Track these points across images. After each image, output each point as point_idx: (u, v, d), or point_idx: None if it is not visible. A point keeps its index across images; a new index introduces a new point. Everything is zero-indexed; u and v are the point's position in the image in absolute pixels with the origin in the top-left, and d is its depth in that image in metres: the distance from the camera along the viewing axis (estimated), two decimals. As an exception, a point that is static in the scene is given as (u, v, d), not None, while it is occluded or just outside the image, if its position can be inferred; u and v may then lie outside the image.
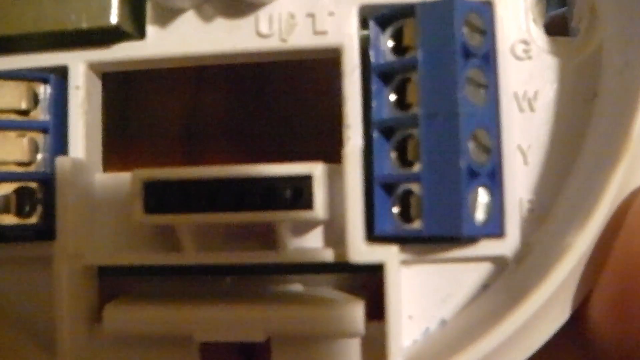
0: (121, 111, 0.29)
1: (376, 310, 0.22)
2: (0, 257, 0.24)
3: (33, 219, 0.23)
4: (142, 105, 0.29)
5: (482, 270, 0.22)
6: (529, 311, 0.20)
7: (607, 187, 0.20)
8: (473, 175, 0.20)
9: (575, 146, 0.22)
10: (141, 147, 0.29)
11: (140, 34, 0.23)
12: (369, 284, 0.23)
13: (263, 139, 0.28)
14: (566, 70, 0.22)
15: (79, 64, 0.23)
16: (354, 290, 0.23)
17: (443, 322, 0.22)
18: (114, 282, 0.25)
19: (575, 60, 0.22)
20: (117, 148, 0.27)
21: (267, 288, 0.24)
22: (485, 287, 0.22)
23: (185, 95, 0.29)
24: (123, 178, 0.24)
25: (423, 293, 0.22)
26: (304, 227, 0.23)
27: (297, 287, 0.24)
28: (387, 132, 0.22)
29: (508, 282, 0.22)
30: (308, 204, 0.21)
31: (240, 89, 0.29)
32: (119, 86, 0.28)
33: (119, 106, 0.28)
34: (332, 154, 0.22)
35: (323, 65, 0.23)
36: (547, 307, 0.20)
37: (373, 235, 0.22)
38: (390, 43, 0.22)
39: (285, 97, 0.29)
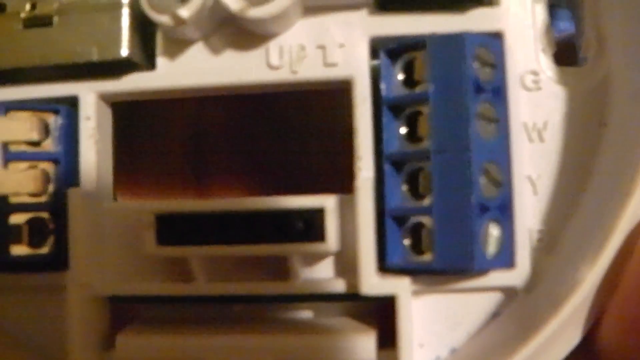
0: (127, 134, 0.29)
1: (387, 338, 0.22)
2: (13, 287, 0.24)
3: (45, 249, 0.24)
4: (148, 127, 0.29)
5: (492, 300, 0.22)
6: (540, 340, 0.20)
7: (619, 221, 0.20)
8: (484, 210, 0.20)
9: (585, 175, 0.22)
10: (149, 169, 0.29)
11: (151, 65, 0.23)
12: (380, 311, 0.23)
13: (273, 158, 0.28)
14: (575, 100, 0.22)
15: (89, 95, 0.23)
16: (365, 318, 0.24)
17: (453, 350, 0.22)
18: (125, 309, 0.25)
19: (584, 89, 0.22)
20: (123, 170, 0.27)
21: (277, 315, 0.24)
22: (495, 315, 0.22)
23: (191, 116, 0.29)
24: (133, 207, 0.24)
25: (433, 322, 0.22)
26: (316, 257, 0.23)
27: (307, 314, 0.24)
28: (398, 164, 0.22)
29: (518, 310, 0.22)
30: (320, 237, 0.22)
31: (249, 108, 0.29)
32: (124, 110, 0.28)
33: (125, 129, 0.28)
34: (344, 171, 0.22)
35: (333, 91, 0.23)
36: (558, 334, 0.20)
37: (384, 266, 0.22)
38: (401, 76, 0.22)
39: (296, 117, 0.29)
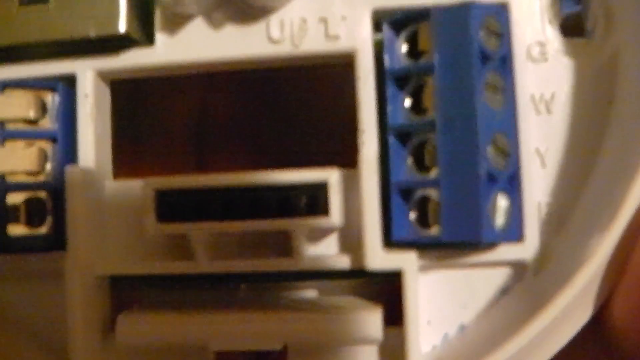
0: (129, 114, 0.28)
1: (394, 316, 0.22)
2: (11, 268, 0.24)
3: (43, 229, 0.23)
4: (151, 108, 0.29)
5: (501, 275, 0.22)
6: (549, 317, 0.20)
7: (629, 194, 0.19)
8: (492, 180, 0.20)
9: (594, 148, 0.22)
10: (151, 150, 0.29)
11: (149, 41, 0.23)
12: (386, 289, 0.23)
13: (275, 140, 0.28)
14: (583, 72, 0.22)
15: (87, 72, 0.23)
16: (371, 296, 0.23)
17: (462, 327, 0.22)
18: (126, 292, 0.24)
19: (593, 62, 0.22)
20: (125, 151, 0.26)
21: (282, 295, 0.24)
22: (504, 291, 0.22)
23: (194, 97, 0.29)
24: (134, 185, 0.23)
25: (441, 298, 0.22)
26: (320, 233, 0.23)
27: (312, 293, 0.24)
28: (403, 137, 0.21)
29: (528, 287, 0.22)
30: (324, 211, 0.21)
31: (251, 89, 0.28)
32: (126, 89, 0.28)
33: (127, 109, 0.28)
34: (346, 152, 0.22)
35: (337, 67, 0.23)
36: (568, 311, 0.20)
37: (390, 241, 0.21)
38: (405, 47, 0.21)
39: (297, 97, 0.28)
